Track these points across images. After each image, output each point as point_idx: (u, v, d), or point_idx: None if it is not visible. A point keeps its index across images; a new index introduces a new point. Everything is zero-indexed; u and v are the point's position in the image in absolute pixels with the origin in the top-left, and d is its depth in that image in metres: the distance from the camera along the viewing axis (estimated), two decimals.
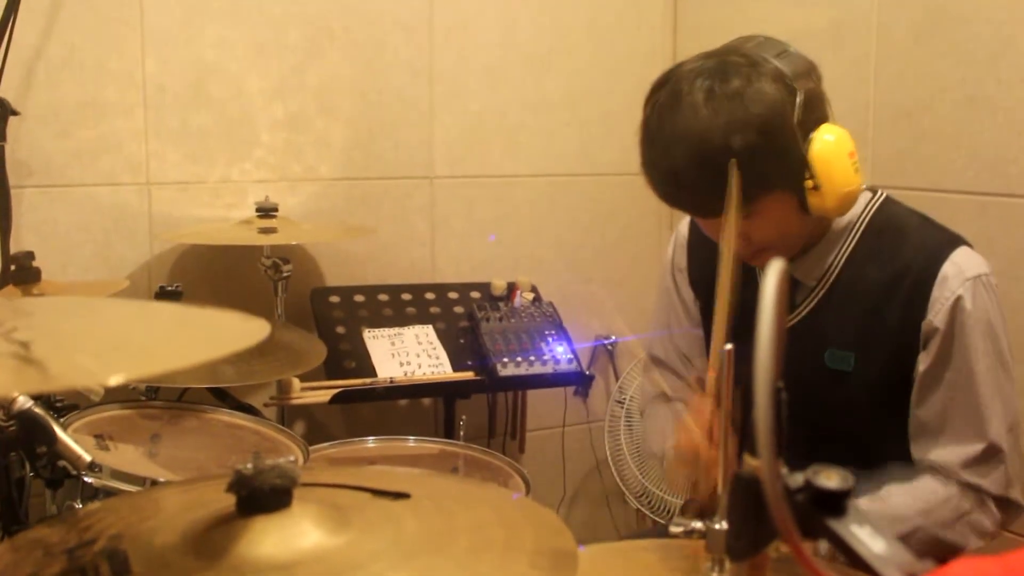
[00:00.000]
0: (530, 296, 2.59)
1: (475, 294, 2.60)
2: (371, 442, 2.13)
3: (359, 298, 2.52)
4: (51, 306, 1.19)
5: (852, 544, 0.70)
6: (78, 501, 1.55)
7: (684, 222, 1.87)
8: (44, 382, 0.81)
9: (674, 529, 1.08)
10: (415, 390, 2.46)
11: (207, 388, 2.13)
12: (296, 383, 2.21)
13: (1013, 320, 1.62)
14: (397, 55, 2.63)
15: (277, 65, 2.50)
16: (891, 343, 1.56)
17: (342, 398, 2.24)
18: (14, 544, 1.02)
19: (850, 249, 1.60)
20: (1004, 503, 1.56)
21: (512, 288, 2.60)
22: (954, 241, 1.57)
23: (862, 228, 1.61)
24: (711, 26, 2.86)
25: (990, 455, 1.53)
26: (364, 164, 2.63)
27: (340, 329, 2.42)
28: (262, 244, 2.35)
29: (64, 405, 1.80)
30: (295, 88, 2.52)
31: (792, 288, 1.63)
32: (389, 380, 2.30)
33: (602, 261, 2.97)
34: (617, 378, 2.94)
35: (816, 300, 1.62)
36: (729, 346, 0.98)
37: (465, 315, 2.53)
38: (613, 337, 2.97)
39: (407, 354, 2.39)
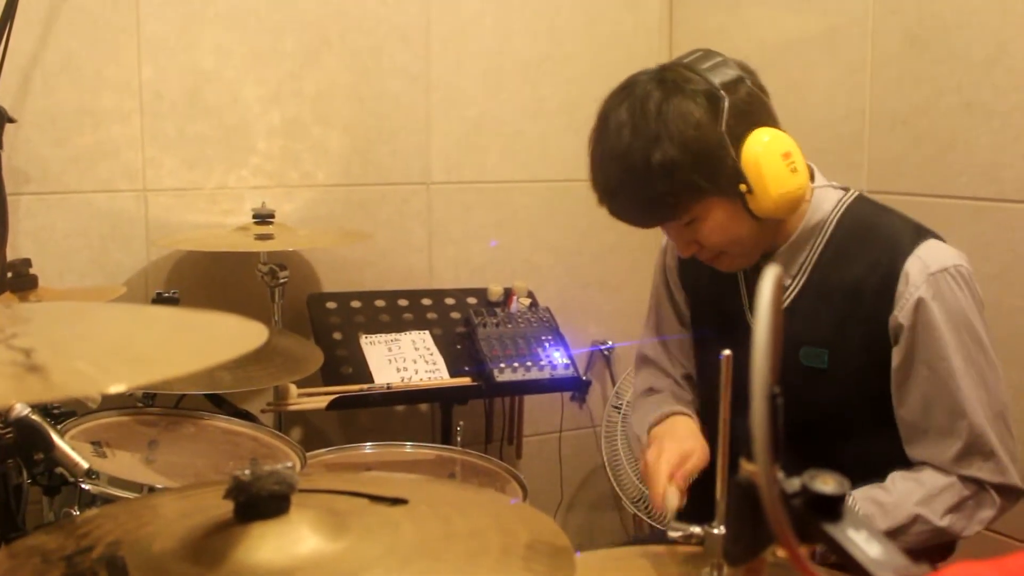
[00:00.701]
0: (527, 302, 2.59)
1: (472, 300, 2.60)
2: (368, 448, 2.13)
3: (356, 304, 2.52)
4: (50, 312, 1.19)
5: (848, 548, 0.71)
6: (75, 508, 1.56)
7: None
8: (46, 391, 0.81)
9: (672, 534, 1.08)
10: (412, 396, 2.46)
11: (204, 394, 2.13)
12: (293, 389, 2.21)
13: (1008, 324, 1.63)
14: (394, 62, 2.64)
15: (274, 72, 2.50)
16: (863, 340, 1.57)
17: (339, 404, 2.24)
18: (12, 551, 1.02)
19: (821, 247, 1.62)
20: (1004, 489, 1.56)
21: (509, 294, 2.60)
22: (919, 235, 1.58)
23: (832, 226, 1.63)
24: (706, 33, 2.86)
25: (978, 446, 1.54)
26: (361, 170, 2.63)
27: (337, 335, 2.42)
28: (259, 250, 2.35)
29: (61, 412, 1.80)
30: (292, 95, 2.53)
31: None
32: (386, 386, 2.30)
33: (599, 267, 2.97)
34: (614, 383, 2.94)
35: (790, 298, 1.64)
36: (727, 352, 0.99)
37: (462, 321, 2.53)
38: (610, 342, 2.97)
39: (404, 360, 2.40)
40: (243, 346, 0.91)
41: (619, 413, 2.84)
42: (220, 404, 2.18)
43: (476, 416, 2.69)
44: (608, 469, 2.85)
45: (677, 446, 1.62)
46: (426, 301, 2.58)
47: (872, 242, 1.59)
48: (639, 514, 2.80)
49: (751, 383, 0.71)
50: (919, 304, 1.52)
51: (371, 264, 2.67)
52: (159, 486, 1.61)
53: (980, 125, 2.14)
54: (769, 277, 0.74)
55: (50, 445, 1.33)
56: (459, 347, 2.47)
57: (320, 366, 2.15)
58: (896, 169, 2.31)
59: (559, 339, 2.48)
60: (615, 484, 2.83)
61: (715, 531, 1.02)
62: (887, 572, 0.68)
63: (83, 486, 1.54)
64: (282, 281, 2.36)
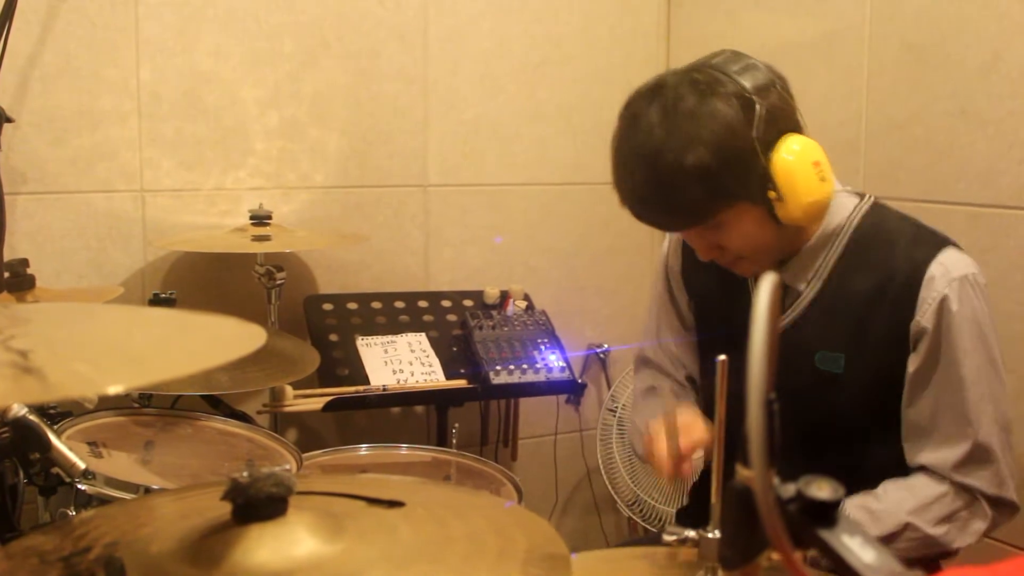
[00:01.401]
0: (523, 304, 2.60)
1: (468, 302, 2.61)
2: (364, 450, 2.13)
3: (352, 306, 2.52)
4: (47, 313, 1.20)
5: (842, 554, 0.71)
6: (71, 508, 1.56)
7: None
8: (44, 392, 0.81)
9: (667, 538, 1.09)
10: (408, 398, 2.46)
11: (200, 395, 2.13)
12: (289, 391, 2.21)
13: (1005, 329, 1.64)
14: (391, 64, 2.64)
15: (272, 74, 2.51)
16: (880, 345, 1.57)
17: (335, 406, 2.24)
18: (8, 552, 1.02)
19: (838, 252, 1.62)
20: (998, 502, 1.57)
21: (505, 296, 2.60)
22: (941, 242, 1.58)
23: (850, 232, 1.63)
24: (704, 36, 2.87)
25: (980, 455, 1.54)
26: (358, 172, 2.64)
27: (333, 337, 2.43)
28: (256, 252, 2.35)
29: (58, 412, 1.80)
30: (290, 97, 2.53)
31: (782, 292, 1.65)
32: (382, 388, 2.31)
33: (595, 270, 2.98)
34: (609, 386, 2.95)
35: (805, 303, 1.63)
36: (722, 357, 0.99)
37: (458, 323, 2.54)
38: (606, 346, 2.98)
39: (400, 362, 2.40)
40: (241, 348, 0.92)
41: (614, 416, 2.85)
42: (216, 405, 2.18)
43: (472, 418, 2.70)
44: (603, 472, 2.85)
45: (681, 419, 1.60)
46: (422, 303, 2.58)
47: (890, 248, 1.59)
48: (634, 517, 2.80)
49: (747, 389, 0.72)
50: (942, 308, 1.52)
51: (368, 266, 2.67)
52: (155, 487, 1.61)
53: (976, 132, 2.14)
54: (767, 284, 0.75)
55: (47, 445, 1.33)
56: (455, 349, 2.48)
57: (316, 368, 2.15)
58: (892, 175, 2.31)
59: (555, 342, 2.49)
60: (610, 487, 2.84)
61: (710, 535, 1.03)
62: None
63: (79, 486, 1.54)
64: (279, 282, 2.36)
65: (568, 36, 2.86)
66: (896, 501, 1.55)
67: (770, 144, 1.48)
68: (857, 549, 0.71)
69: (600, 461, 2.86)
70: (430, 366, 2.41)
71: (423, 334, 2.49)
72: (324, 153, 2.59)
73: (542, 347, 2.46)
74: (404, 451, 2.16)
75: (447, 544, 0.98)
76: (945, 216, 2.13)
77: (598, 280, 2.98)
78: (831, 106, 2.44)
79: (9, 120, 2.13)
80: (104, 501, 1.54)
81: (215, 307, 1.35)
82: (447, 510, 1.07)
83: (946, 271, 1.54)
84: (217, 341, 0.99)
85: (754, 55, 1.55)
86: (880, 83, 2.35)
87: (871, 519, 1.53)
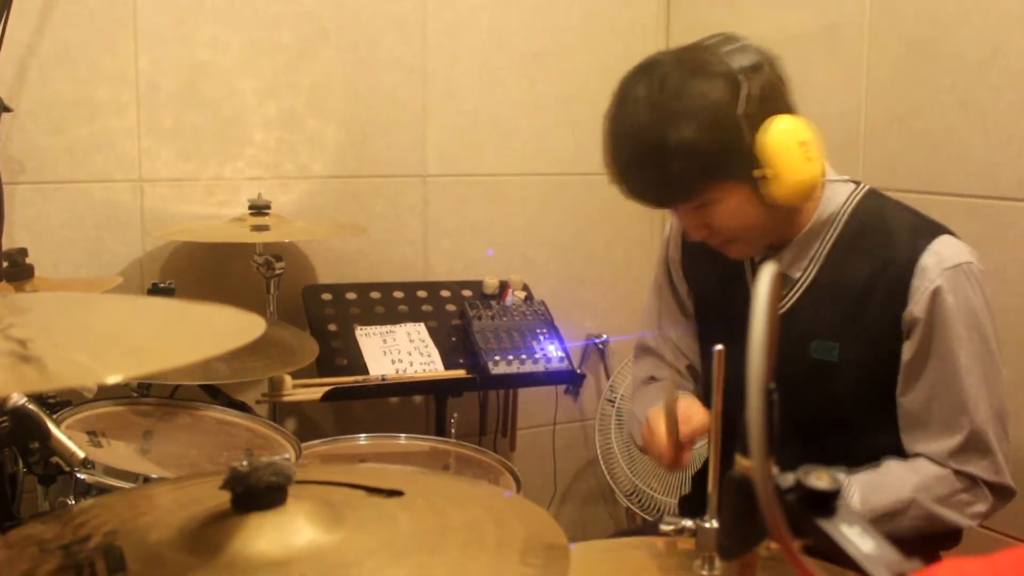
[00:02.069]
0: (522, 295, 2.60)
1: (467, 292, 2.61)
2: (363, 439, 2.14)
3: (351, 296, 2.52)
4: (46, 303, 1.19)
5: (841, 543, 0.71)
6: (71, 497, 1.56)
7: None
8: (43, 381, 0.81)
9: (665, 527, 1.09)
10: (407, 388, 2.46)
11: (199, 385, 2.13)
12: (288, 380, 2.21)
13: (1004, 321, 1.64)
14: (390, 54, 2.64)
15: (270, 64, 2.50)
16: (875, 333, 1.58)
17: (334, 395, 2.25)
18: (8, 540, 1.02)
19: (832, 240, 1.63)
20: (998, 488, 1.57)
21: (504, 287, 2.60)
22: (936, 230, 1.58)
23: (844, 219, 1.63)
24: (703, 28, 2.83)
25: (977, 444, 1.55)
26: (357, 162, 2.63)
27: (332, 326, 2.43)
28: (254, 241, 2.35)
29: (57, 401, 1.80)
30: (288, 87, 2.53)
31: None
32: (381, 378, 2.31)
33: (594, 260, 2.98)
34: (608, 377, 2.95)
35: (800, 291, 1.64)
36: (719, 347, 0.99)
37: (457, 313, 2.54)
38: (604, 336, 2.98)
39: (399, 352, 2.40)
40: (240, 338, 0.92)
41: (613, 406, 2.85)
42: (215, 395, 2.18)
43: (470, 408, 2.70)
44: (601, 462, 2.86)
45: (680, 407, 1.61)
46: (421, 293, 2.58)
47: (885, 236, 1.59)
48: (632, 507, 2.81)
49: (747, 379, 0.72)
50: (935, 297, 1.52)
51: (366, 256, 2.67)
52: (155, 476, 1.61)
53: (975, 124, 2.14)
54: (766, 274, 0.75)
55: (46, 435, 1.33)
56: (454, 339, 2.48)
57: (315, 357, 2.15)
58: (891, 167, 2.31)
59: (554, 332, 2.49)
60: (608, 477, 2.84)
61: (707, 525, 1.03)
62: (880, 567, 0.68)
63: (79, 475, 1.54)
64: (278, 272, 2.36)
65: (567, 27, 2.86)
66: (900, 476, 1.56)
67: (757, 123, 1.49)
68: (856, 539, 0.71)
69: (599, 451, 2.87)
70: (429, 356, 2.41)
71: (422, 324, 2.50)
72: (322, 143, 2.59)
73: (541, 337, 2.46)
74: (403, 441, 2.16)
75: (446, 533, 0.98)
76: (944, 208, 2.12)
77: (597, 270, 2.99)
78: (831, 98, 2.44)
79: (7, 110, 2.13)
80: (103, 490, 1.54)
81: (213, 297, 1.35)
82: (446, 500, 1.07)
83: (940, 260, 1.54)
84: (216, 331, 0.99)
85: None
86: (880, 76, 2.35)
87: (875, 491, 1.53)
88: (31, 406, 1.33)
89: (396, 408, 2.75)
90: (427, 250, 2.75)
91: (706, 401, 1.83)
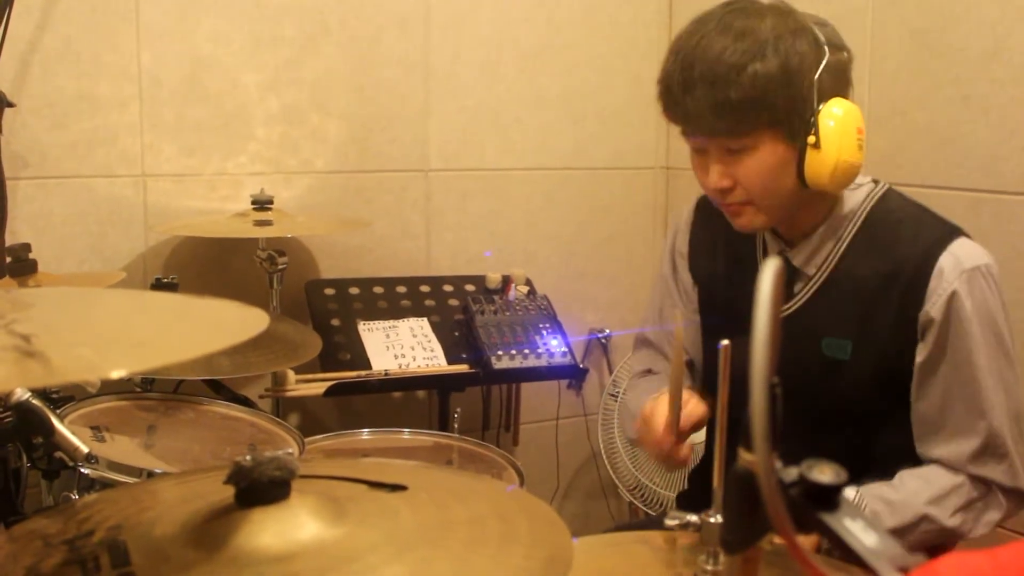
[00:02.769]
0: (525, 289, 2.60)
1: (470, 287, 2.61)
2: (366, 434, 2.14)
3: (354, 291, 2.52)
4: (50, 298, 1.20)
5: (845, 538, 0.71)
6: (75, 492, 1.56)
7: (687, 208, 1.88)
8: (47, 376, 0.82)
9: (669, 522, 1.09)
10: (410, 383, 2.46)
11: (203, 380, 2.13)
12: (291, 375, 2.21)
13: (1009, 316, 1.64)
14: (393, 49, 2.63)
15: (272, 59, 2.50)
16: (888, 333, 1.57)
17: (337, 390, 2.25)
18: (12, 535, 1.02)
19: (849, 238, 1.62)
20: (1014, 494, 1.57)
21: (507, 281, 2.60)
22: (952, 232, 1.58)
23: (862, 218, 1.62)
24: None
25: (994, 447, 1.54)
26: (359, 157, 2.63)
27: (335, 321, 2.43)
28: (257, 236, 2.35)
29: (60, 396, 1.81)
30: (290, 82, 2.53)
31: (790, 276, 1.65)
32: (384, 373, 2.31)
33: (596, 255, 2.98)
34: (611, 371, 2.95)
35: (814, 289, 1.63)
36: (726, 342, 0.99)
37: (460, 308, 2.54)
38: (607, 330, 2.98)
39: (402, 347, 2.40)
40: (243, 333, 0.92)
41: (616, 401, 2.85)
42: (218, 389, 2.18)
43: (473, 403, 2.70)
44: (604, 457, 2.86)
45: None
46: (424, 288, 2.58)
47: (902, 236, 1.58)
48: (635, 501, 2.81)
49: (750, 374, 0.72)
50: (952, 299, 1.51)
51: (369, 251, 2.67)
52: (158, 471, 1.62)
53: (978, 118, 2.14)
54: (770, 269, 0.75)
55: (50, 430, 1.33)
56: (457, 334, 2.48)
57: (318, 352, 2.16)
58: (894, 161, 2.31)
59: (556, 327, 2.49)
60: (611, 472, 2.84)
61: (712, 520, 1.03)
62: (883, 561, 0.68)
63: (82, 470, 1.54)
64: (280, 267, 2.36)
65: (569, 22, 2.85)
66: (913, 491, 1.54)
67: (825, 95, 1.51)
68: (859, 533, 0.71)
69: (602, 446, 2.87)
70: (432, 351, 2.41)
71: (425, 319, 2.50)
72: (325, 138, 2.59)
73: (544, 332, 2.46)
74: (406, 436, 2.16)
75: (449, 528, 0.98)
76: (947, 202, 2.12)
77: (599, 265, 2.98)
78: None
79: (10, 105, 2.13)
80: (107, 485, 1.54)
81: (216, 292, 1.34)
82: (449, 494, 1.07)
83: (957, 262, 1.53)
84: (219, 326, 0.99)
85: None
86: (883, 69, 2.34)
87: (889, 510, 1.52)
88: (35, 401, 1.33)
89: (399, 403, 2.76)
90: (430, 245, 2.75)
91: (709, 395, 1.83)
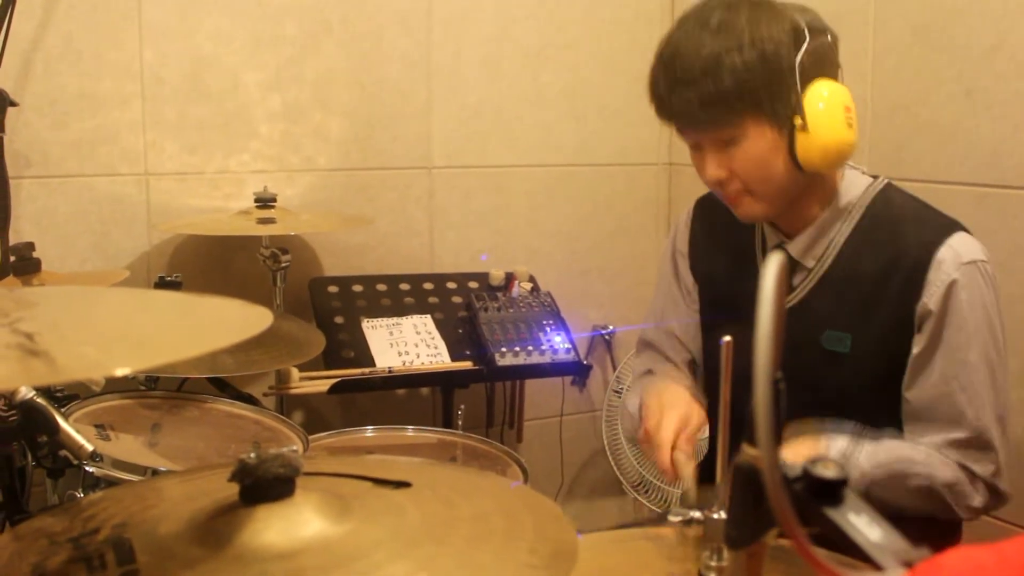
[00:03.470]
0: (528, 286, 2.60)
1: (473, 284, 2.61)
2: (370, 432, 2.14)
3: (357, 288, 2.52)
4: (53, 296, 1.20)
5: (849, 532, 0.71)
6: (80, 490, 1.56)
7: (690, 208, 1.88)
8: (51, 374, 0.82)
9: (673, 518, 1.09)
10: (413, 380, 2.46)
11: (207, 378, 2.14)
12: (295, 373, 2.22)
13: (1009, 311, 1.63)
14: (395, 47, 2.63)
15: (274, 57, 2.50)
16: (887, 325, 1.57)
17: (341, 388, 2.25)
18: (18, 533, 1.03)
19: (849, 231, 1.63)
20: (993, 490, 1.57)
21: (510, 278, 2.60)
22: (952, 226, 1.58)
23: (862, 211, 1.63)
24: None
25: (979, 443, 1.55)
26: (362, 155, 2.63)
27: (338, 319, 2.43)
28: (260, 234, 2.35)
29: (65, 395, 1.81)
30: (293, 80, 2.53)
31: (790, 269, 1.65)
32: (387, 370, 2.31)
33: (599, 251, 2.98)
34: (615, 368, 2.95)
35: (814, 282, 1.64)
36: (728, 338, 0.99)
37: (463, 305, 2.54)
38: (611, 327, 2.98)
39: (405, 344, 2.40)
40: (247, 330, 0.92)
41: (620, 397, 2.85)
42: (223, 387, 2.19)
43: (477, 400, 2.70)
44: (608, 453, 2.86)
45: (675, 412, 1.60)
46: (428, 285, 2.58)
47: (901, 229, 1.59)
48: (639, 498, 2.81)
49: (754, 369, 0.72)
50: (950, 291, 1.52)
51: (372, 248, 2.67)
52: (163, 469, 1.62)
53: (981, 113, 2.14)
54: (773, 262, 0.74)
55: (55, 428, 1.33)
56: (460, 331, 2.48)
57: (322, 350, 2.16)
58: (897, 156, 2.31)
59: (560, 323, 2.49)
60: (615, 468, 2.84)
61: (715, 516, 1.03)
62: (887, 556, 0.68)
63: (87, 469, 1.54)
64: (284, 265, 2.36)
65: (571, 19, 2.85)
66: (909, 446, 1.56)
67: (809, 78, 1.52)
68: (864, 527, 0.71)
69: (605, 442, 2.87)
70: (435, 348, 2.41)
71: (428, 316, 2.50)
72: (327, 136, 2.59)
73: (547, 329, 2.46)
74: (410, 433, 2.16)
75: (453, 525, 0.98)
76: (950, 197, 2.12)
77: (603, 261, 2.98)
78: None
79: (13, 104, 2.13)
80: (112, 483, 1.55)
81: (220, 290, 1.35)
82: (453, 491, 1.07)
83: (956, 255, 1.54)
84: (223, 324, 1.00)
85: None
86: (885, 64, 2.34)
87: (883, 448, 1.53)
88: (39, 400, 1.33)
89: (403, 400, 2.76)
90: (433, 242, 2.75)
91: (708, 394, 1.83)
